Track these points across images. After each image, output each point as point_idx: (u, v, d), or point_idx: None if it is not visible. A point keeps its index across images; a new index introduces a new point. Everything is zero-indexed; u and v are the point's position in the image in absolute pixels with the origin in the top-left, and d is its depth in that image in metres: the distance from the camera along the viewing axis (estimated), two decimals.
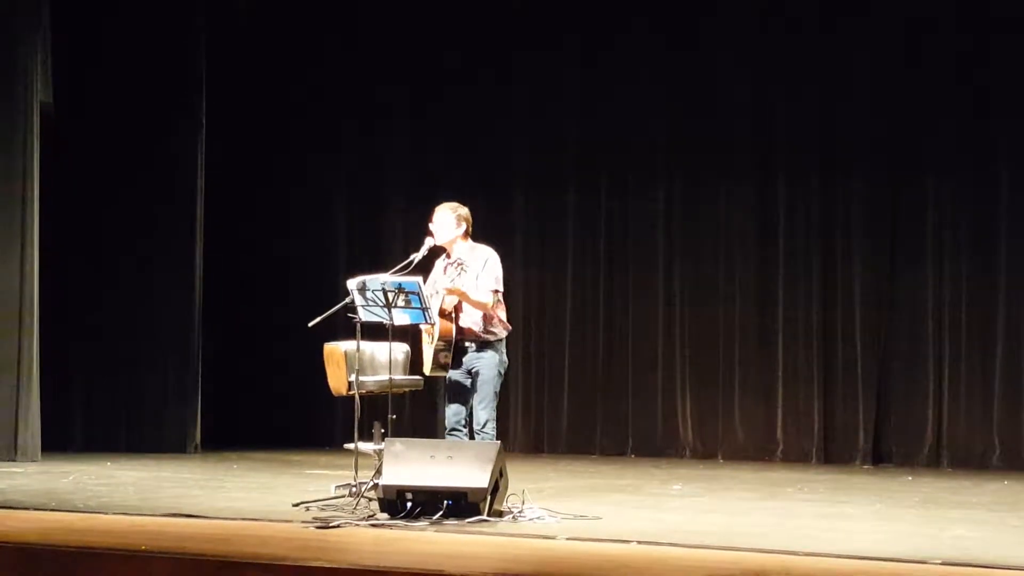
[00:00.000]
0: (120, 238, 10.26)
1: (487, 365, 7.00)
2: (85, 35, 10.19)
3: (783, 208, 9.94)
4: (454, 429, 7.09)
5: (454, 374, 7.05)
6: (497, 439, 6.91)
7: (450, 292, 6.91)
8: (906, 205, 9.70)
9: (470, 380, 7.03)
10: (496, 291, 7.04)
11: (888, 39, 9.62)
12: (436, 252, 7.16)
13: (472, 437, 7.00)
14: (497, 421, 7.09)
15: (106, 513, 6.74)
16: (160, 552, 5.51)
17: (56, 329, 9.91)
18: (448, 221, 7.06)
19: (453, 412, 7.10)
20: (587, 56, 10.34)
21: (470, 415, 7.06)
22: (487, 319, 7.01)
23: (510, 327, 7.14)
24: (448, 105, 10.60)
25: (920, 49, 9.55)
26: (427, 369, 7.07)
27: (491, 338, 7.02)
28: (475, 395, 7.01)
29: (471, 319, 6.99)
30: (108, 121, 10.24)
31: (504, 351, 7.09)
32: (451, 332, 6.95)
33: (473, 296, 6.94)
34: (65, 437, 10.08)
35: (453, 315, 6.96)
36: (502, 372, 7.08)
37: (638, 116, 10.21)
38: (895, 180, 9.71)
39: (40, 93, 9.62)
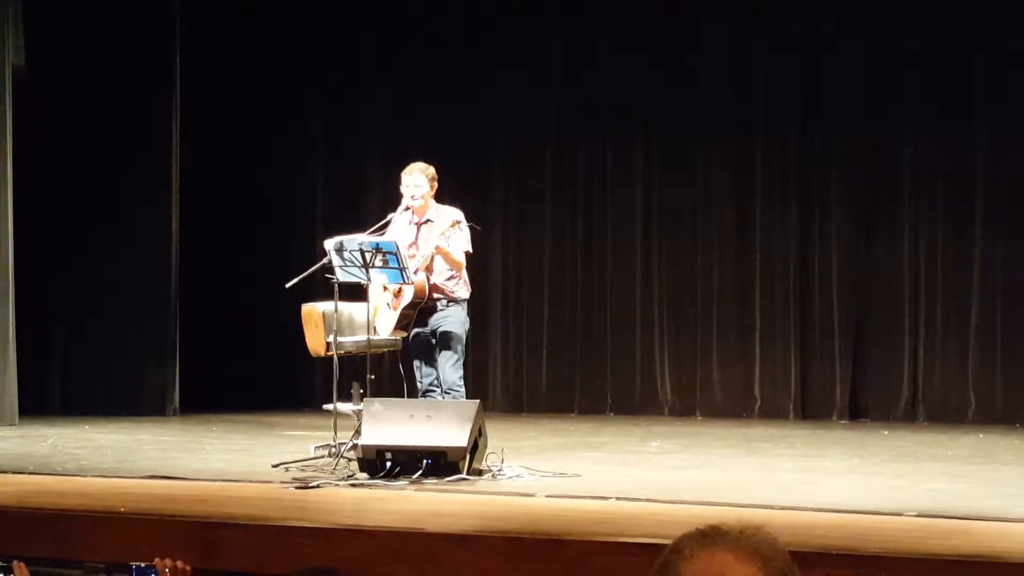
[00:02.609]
0: (95, 200, 10.18)
1: (454, 324, 7.02)
2: None
3: (760, 169, 9.94)
4: (429, 390, 7.10)
5: (420, 333, 7.04)
6: (471, 397, 6.93)
7: (438, 250, 6.90)
8: (883, 165, 9.71)
9: (436, 339, 7.04)
10: (467, 252, 7.05)
11: (870, 4, 9.60)
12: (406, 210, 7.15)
13: (443, 396, 7.02)
14: (476, 380, 7.11)
15: (84, 476, 6.72)
16: (139, 514, 5.52)
17: (33, 292, 9.85)
18: (422, 183, 7.05)
19: (427, 373, 7.11)
20: (569, 19, 10.27)
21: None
22: (454, 278, 7.03)
23: (471, 288, 7.17)
24: (427, 66, 10.52)
25: (899, 10, 9.52)
26: (387, 330, 7.05)
27: (457, 296, 7.04)
28: (442, 354, 7.02)
29: (440, 277, 7.01)
30: (81, 81, 10.13)
31: (467, 310, 7.11)
32: (425, 290, 6.95)
33: (453, 255, 6.95)
34: (43, 401, 10.04)
35: (426, 274, 6.97)
36: (467, 330, 7.10)
37: (617, 79, 10.14)
38: (872, 142, 9.71)
39: (12, 56, 9.51)
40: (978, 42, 9.36)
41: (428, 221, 7.08)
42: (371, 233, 6.94)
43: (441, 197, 7.22)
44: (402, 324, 7.01)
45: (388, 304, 7.03)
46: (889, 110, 9.66)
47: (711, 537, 1.77)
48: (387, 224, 7.06)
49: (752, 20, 9.86)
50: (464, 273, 7.08)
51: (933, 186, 9.60)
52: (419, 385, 7.17)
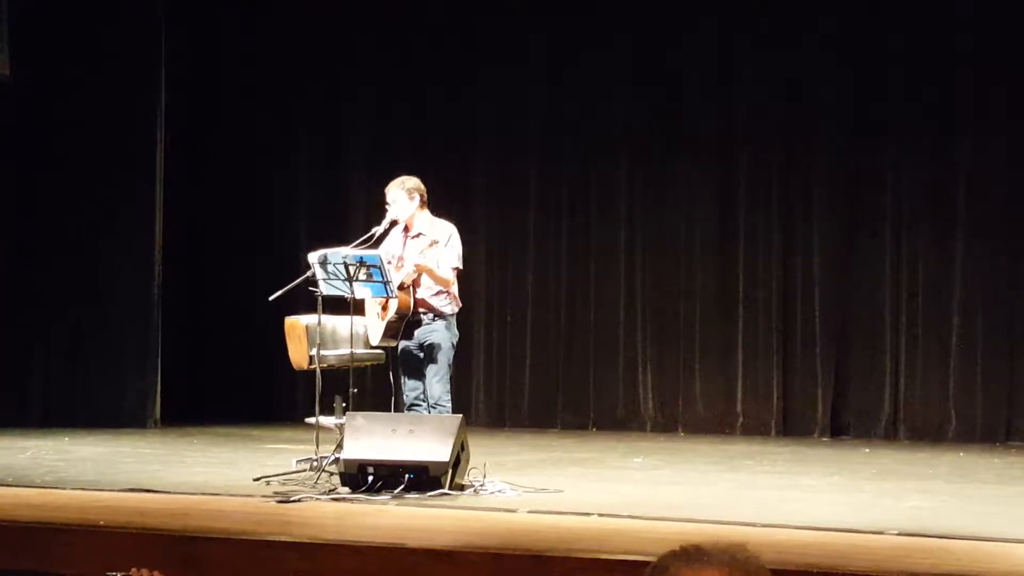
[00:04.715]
0: (76, 209, 10.15)
1: (441, 338, 7.00)
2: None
3: (744, 183, 9.96)
4: (414, 404, 7.08)
5: (406, 347, 7.03)
6: (454, 412, 6.92)
7: (419, 268, 6.89)
8: (865, 181, 9.75)
9: (423, 353, 7.02)
10: (456, 269, 7.04)
11: (851, 19, 9.65)
12: (395, 225, 7.15)
13: (429, 411, 7.01)
14: (458, 395, 7.10)
15: (64, 488, 6.69)
16: (119, 527, 5.49)
17: (13, 304, 9.80)
18: (401, 198, 7.03)
19: (412, 387, 7.09)
20: (553, 33, 10.30)
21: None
22: (441, 294, 7.01)
23: (461, 304, 7.15)
24: (411, 76, 10.52)
25: (883, 23, 9.57)
26: (375, 339, 7.05)
27: (445, 312, 7.02)
28: (428, 369, 7.01)
29: (427, 292, 6.99)
30: (65, 89, 10.08)
31: (455, 326, 7.09)
32: (409, 305, 6.94)
33: (438, 273, 6.94)
34: (23, 412, 9.99)
35: (411, 288, 6.96)
36: (454, 345, 7.08)
37: (601, 91, 10.17)
38: (855, 157, 9.75)
39: None
40: (961, 56, 9.38)
41: (419, 235, 7.06)
42: (355, 247, 6.93)
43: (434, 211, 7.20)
44: (390, 333, 7.00)
45: (377, 314, 7.04)
46: (871, 129, 9.69)
47: (695, 556, 1.77)
48: (371, 238, 7.05)
49: (735, 32, 9.88)
50: (453, 289, 7.06)
51: (915, 204, 9.62)
52: (404, 399, 7.15)
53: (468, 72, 10.47)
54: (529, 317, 10.42)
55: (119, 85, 10.08)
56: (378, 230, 7.06)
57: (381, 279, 6.71)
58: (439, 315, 7.01)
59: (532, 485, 6.63)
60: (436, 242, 6.90)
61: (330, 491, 6.36)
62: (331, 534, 5.45)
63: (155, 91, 10.11)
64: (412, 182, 7.08)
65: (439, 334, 7.01)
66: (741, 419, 9.89)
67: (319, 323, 6.93)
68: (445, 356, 7.02)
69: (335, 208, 10.61)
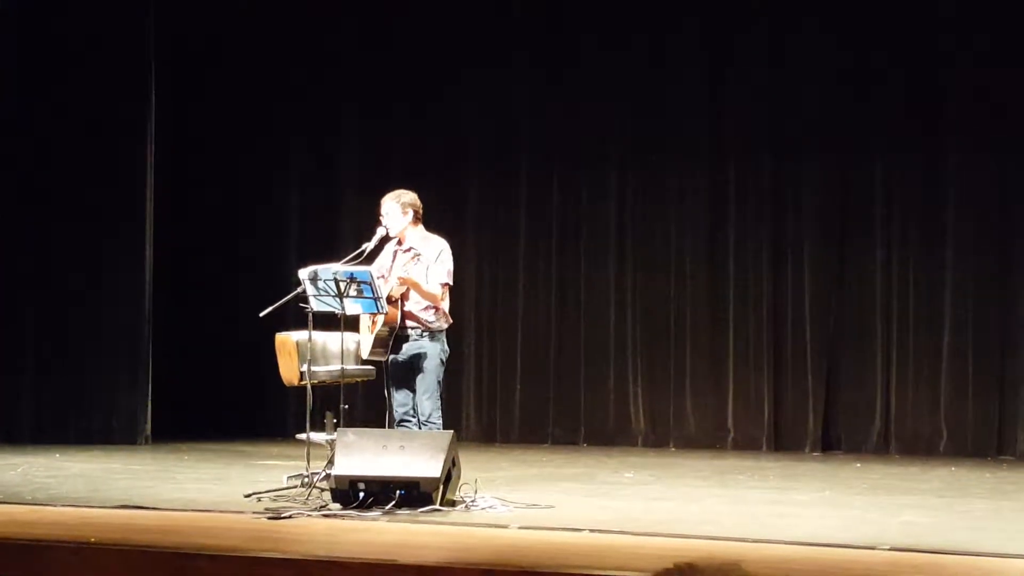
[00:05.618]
0: (67, 227, 10.13)
1: (430, 354, 6.98)
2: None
3: (733, 196, 9.98)
4: (404, 420, 7.07)
5: (395, 360, 7.01)
6: (444, 428, 6.91)
7: (403, 281, 6.89)
8: (855, 194, 9.78)
9: (412, 367, 7.01)
10: (446, 284, 7.03)
11: (838, 27, 9.69)
12: (388, 240, 7.15)
13: (419, 427, 7.00)
14: (449, 410, 7.08)
15: (55, 505, 6.67)
16: (110, 544, 5.47)
17: (3, 320, 9.77)
18: (394, 211, 7.03)
19: (400, 402, 7.06)
20: (544, 42, 10.32)
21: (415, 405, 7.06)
22: (430, 309, 7.00)
23: (451, 320, 7.14)
24: (402, 87, 10.53)
25: (874, 32, 9.60)
26: (365, 353, 7.04)
27: (434, 327, 7.00)
28: (418, 385, 6.99)
29: (416, 307, 6.97)
30: (51, 108, 10.06)
31: (445, 341, 7.08)
32: (396, 318, 6.93)
33: (425, 288, 6.93)
34: (13, 429, 9.97)
35: (399, 302, 6.95)
36: (444, 361, 7.06)
37: (591, 101, 10.18)
38: (844, 169, 9.78)
39: None
40: (951, 63, 9.41)
41: (409, 249, 7.06)
42: (345, 263, 6.93)
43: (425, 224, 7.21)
44: (379, 346, 6.98)
45: (368, 327, 7.04)
46: (860, 140, 9.72)
47: (688, 574, 1.77)
48: (361, 254, 7.05)
49: (722, 43, 9.91)
50: (443, 304, 7.04)
51: (905, 217, 9.66)
52: (394, 414, 7.14)
53: (465, 76, 10.43)
54: (519, 333, 10.42)
55: (108, 107, 10.03)
56: (368, 246, 7.06)
57: (371, 295, 6.71)
58: (428, 329, 7.00)
59: (523, 501, 6.63)
60: (419, 256, 6.90)
61: (321, 507, 6.35)
62: (322, 550, 5.44)
63: (144, 111, 10.08)
64: (408, 196, 7.08)
65: (428, 350, 6.99)
66: (732, 434, 9.90)
67: (310, 339, 6.93)
68: (434, 372, 7.00)
69: (326, 225, 10.58)
